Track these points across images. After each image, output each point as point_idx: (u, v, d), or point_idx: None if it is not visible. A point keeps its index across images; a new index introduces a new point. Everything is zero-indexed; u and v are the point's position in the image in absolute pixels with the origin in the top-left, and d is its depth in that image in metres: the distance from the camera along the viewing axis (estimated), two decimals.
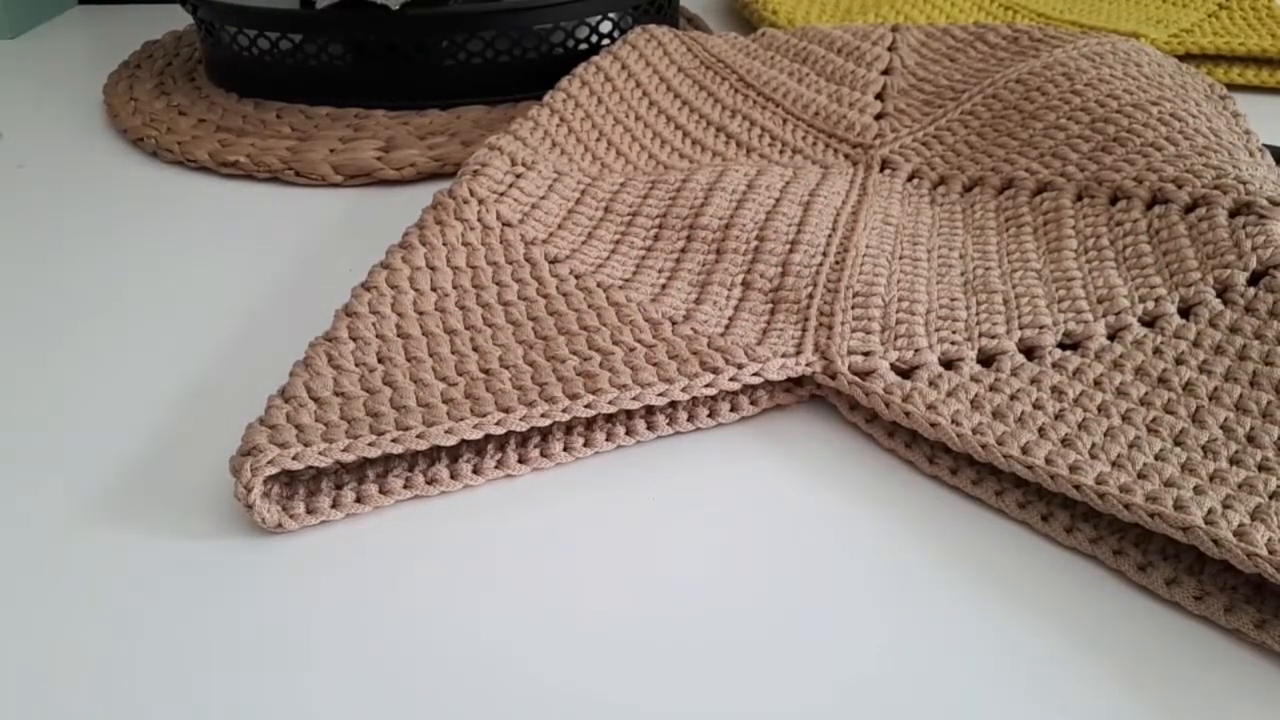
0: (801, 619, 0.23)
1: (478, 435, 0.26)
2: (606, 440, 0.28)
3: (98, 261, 0.39)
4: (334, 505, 0.25)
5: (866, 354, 0.29)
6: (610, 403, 0.27)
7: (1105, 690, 0.21)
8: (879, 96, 0.47)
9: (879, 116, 0.45)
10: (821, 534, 0.25)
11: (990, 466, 0.26)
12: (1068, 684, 0.21)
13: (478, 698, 0.21)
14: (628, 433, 0.28)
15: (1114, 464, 0.25)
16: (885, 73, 0.48)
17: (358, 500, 0.26)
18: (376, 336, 0.29)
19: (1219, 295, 0.30)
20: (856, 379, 0.28)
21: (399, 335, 0.29)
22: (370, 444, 0.25)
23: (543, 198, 0.37)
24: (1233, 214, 0.32)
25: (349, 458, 0.24)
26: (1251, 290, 0.30)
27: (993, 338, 0.30)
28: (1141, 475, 0.24)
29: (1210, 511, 0.22)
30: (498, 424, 0.26)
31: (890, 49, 0.50)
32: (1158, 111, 0.38)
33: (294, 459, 0.24)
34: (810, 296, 0.32)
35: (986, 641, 0.22)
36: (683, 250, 0.35)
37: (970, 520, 0.25)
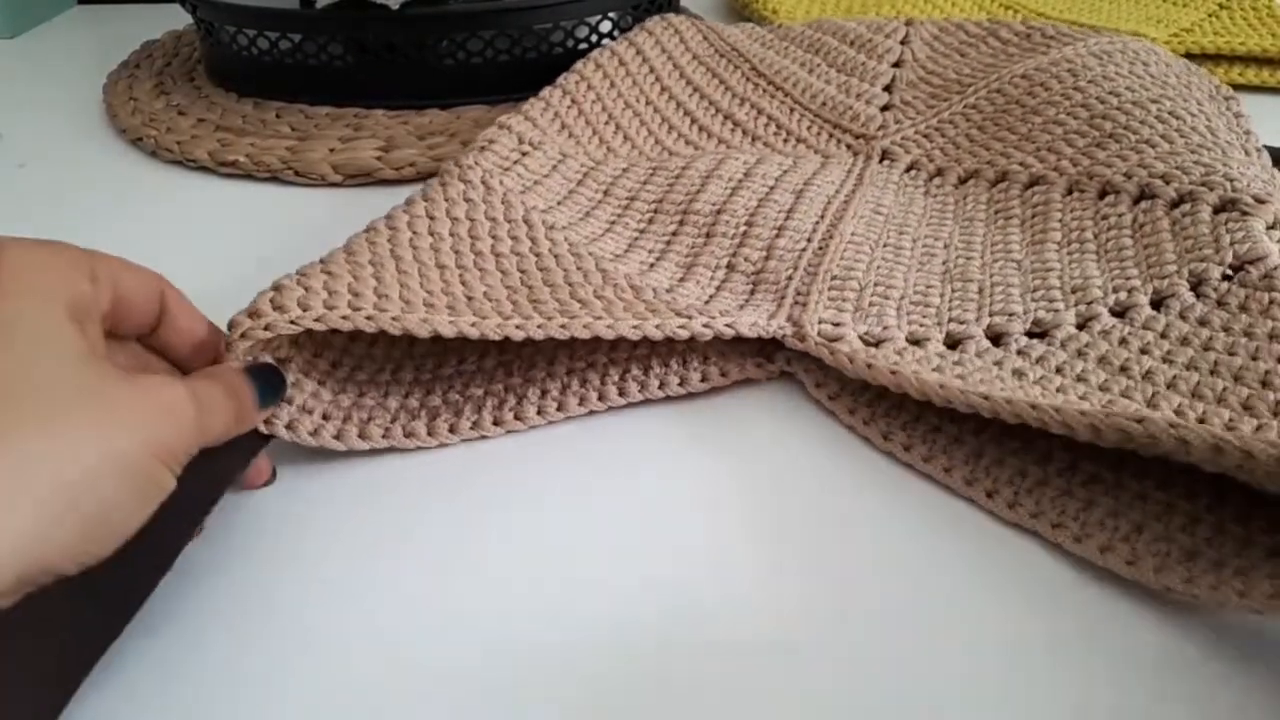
0: (777, 577, 0.24)
1: (451, 333, 0.26)
2: (579, 405, 0.29)
3: None
4: (312, 433, 0.27)
5: (837, 324, 0.30)
6: (585, 327, 0.27)
7: (1037, 653, 0.22)
8: (887, 88, 0.47)
9: (885, 108, 0.46)
10: (781, 501, 0.26)
11: (941, 444, 0.27)
12: (1010, 646, 0.22)
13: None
14: (600, 397, 0.29)
15: None
16: (896, 65, 0.49)
17: (336, 438, 0.27)
18: (370, 262, 0.29)
19: (1193, 289, 0.30)
20: (824, 341, 0.29)
21: (392, 257, 0.29)
22: (343, 317, 0.25)
23: (545, 176, 0.38)
24: (1217, 210, 0.33)
25: (319, 326, 0.25)
26: (1225, 285, 0.30)
27: (961, 323, 0.30)
28: None
29: None
30: (471, 325, 0.26)
31: (903, 42, 0.50)
32: (1156, 109, 0.39)
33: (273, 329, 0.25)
34: (789, 279, 0.33)
35: (931, 601, 0.23)
36: (674, 234, 0.36)
37: (918, 491, 0.26)
